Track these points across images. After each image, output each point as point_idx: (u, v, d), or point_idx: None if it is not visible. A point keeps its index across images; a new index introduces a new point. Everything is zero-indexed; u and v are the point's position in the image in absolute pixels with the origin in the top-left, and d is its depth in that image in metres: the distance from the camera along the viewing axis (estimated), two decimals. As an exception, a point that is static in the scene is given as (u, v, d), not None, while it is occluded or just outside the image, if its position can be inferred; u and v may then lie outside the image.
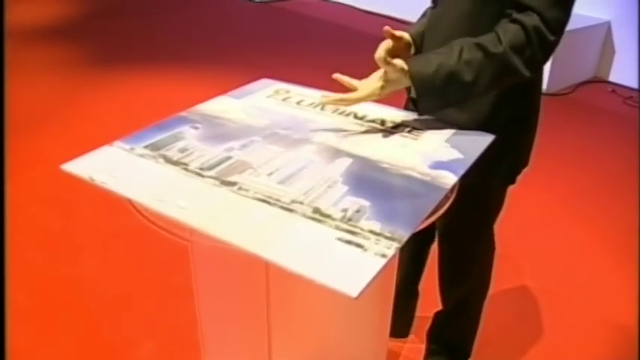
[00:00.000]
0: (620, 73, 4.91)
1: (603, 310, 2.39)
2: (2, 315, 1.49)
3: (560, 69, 4.59)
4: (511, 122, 1.41)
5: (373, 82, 1.30)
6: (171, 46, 5.61)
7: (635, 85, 4.76)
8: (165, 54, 5.32)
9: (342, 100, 1.30)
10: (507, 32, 1.21)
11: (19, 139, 3.50)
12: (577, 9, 4.16)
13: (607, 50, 4.98)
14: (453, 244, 1.70)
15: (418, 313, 2.11)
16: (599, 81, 4.97)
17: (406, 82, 1.28)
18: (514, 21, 1.22)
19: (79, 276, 2.49)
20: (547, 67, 4.47)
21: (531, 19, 1.20)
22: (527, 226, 2.91)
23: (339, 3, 7.18)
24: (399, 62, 1.27)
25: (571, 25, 4.06)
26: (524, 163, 1.54)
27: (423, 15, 1.55)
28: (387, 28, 1.31)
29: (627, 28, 4.82)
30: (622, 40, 4.89)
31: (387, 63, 1.25)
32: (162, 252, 2.59)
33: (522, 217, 2.93)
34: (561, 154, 3.66)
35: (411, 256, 1.90)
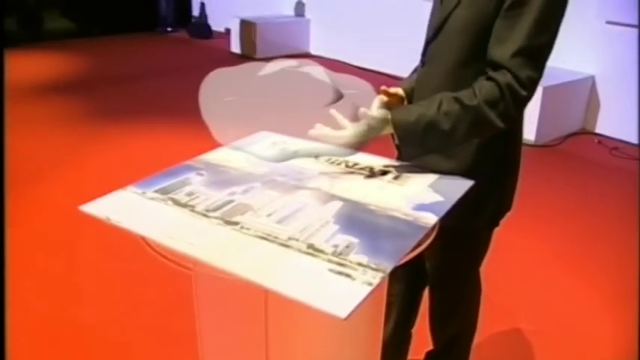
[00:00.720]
0: (606, 125, 5.09)
1: (593, 355, 2.46)
2: (2, 315, 1.56)
3: (549, 121, 4.77)
4: (493, 169, 1.53)
5: (359, 125, 1.43)
6: (168, 100, 5.81)
7: (620, 137, 4.92)
8: (163, 108, 5.51)
9: (326, 136, 1.43)
10: (483, 88, 1.35)
11: (22, 188, 3.63)
12: (563, 64, 4.40)
13: (593, 103, 5.16)
14: (442, 286, 1.80)
15: (411, 355, 2.19)
16: (586, 133, 5.14)
17: (389, 129, 1.41)
18: (489, 78, 1.36)
19: (81, 321, 2.57)
20: (535, 120, 4.66)
21: (504, 77, 1.34)
22: (519, 272, 3.02)
23: (332, 59, 7.45)
24: (383, 111, 1.41)
25: (558, 80, 4.29)
26: (508, 207, 1.66)
27: (414, 71, 1.70)
28: (383, 87, 1.46)
29: (611, 82, 5.03)
30: (606, 93, 5.09)
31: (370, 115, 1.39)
32: (162, 297, 2.68)
33: (513, 262, 3.04)
34: (551, 203, 3.79)
35: (405, 301, 1.98)
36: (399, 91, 1.58)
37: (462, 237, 1.59)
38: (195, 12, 10.45)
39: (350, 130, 1.43)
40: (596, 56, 5.10)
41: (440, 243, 1.54)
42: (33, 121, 4.97)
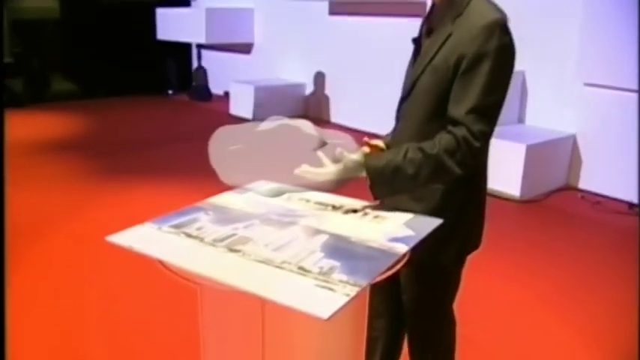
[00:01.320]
0: (588, 181, 5.33)
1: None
2: (2, 316, 1.73)
3: (533, 178, 5.01)
4: (458, 211, 1.76)
5: (338, 165, 1.69)
6: (169, 159, 6.09)
7: (602, 192, 5.17)
8: (164, 167, 5.78)
9: (309, 172, 1.68)
10: (442, 139, 1.61)
11: (29, 240, 3.82)
12: (546, 124, 4.71)
13: (575, 160, 5.42)
14: (416, 320, 2.00)
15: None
16: (569, 188, 5.38)
17: (362, 172, 1.67)
18: (449, 132, 1.62)
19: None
20: (520, 177, 4.90)
21: (461, 131, 1.59)
22: (503, 317, 3.16)
23: (323, 120, 7.79)
24: (358, 156, 1.68)
25: (541, 138, 4.60)
26: (474, 246, 1.88)
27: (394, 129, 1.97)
28: (365, 139, 1.73)
29: (591, 140, 5.31)
30: (587, 150, 5.35)
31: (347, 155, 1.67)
32: (166, 341, 2.87)
33: (498, 308, 3.21)
34: (536, 253, 3.97)
35: (388, 336, 2.15)
36: (380, 143, 1.84)
37: (432, 272, 1.82)
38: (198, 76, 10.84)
39: (330, 168, 1.68)
40: (576, 116, 5.39)
41: (413, 277, 1.77)
42: (38, 178, 5.22)
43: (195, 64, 10.87)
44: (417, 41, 1.86)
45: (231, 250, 1.39)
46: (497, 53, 1.58)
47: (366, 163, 1.67)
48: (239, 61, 9.88)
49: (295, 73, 8.63)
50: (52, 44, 9.20)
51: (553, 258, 3.93)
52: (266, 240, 1.46)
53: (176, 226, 1.53)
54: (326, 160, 1.69)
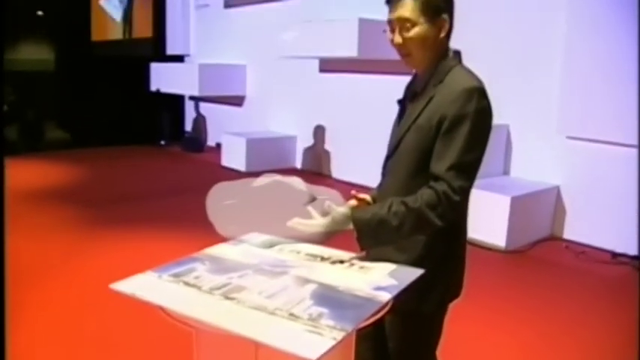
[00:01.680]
0: (572, 231, 5.46)
1: None
2: (2, 316, 1.80)
3: (518, 229, 5.12)
4: (439, 261, 1.87)
5: (326, 218, 1.82)
6: (163, 209, 6.18)
7: (586, 242, 5.30)
8: (158, 216, 5.86)
9: (300, 223, 1.81)
10: (424, 194, 1.74)
11: (24, 289, 3.88)
12: (530, 176, 4.90)
13: (559, 211, 5.56)
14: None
15: None
16: (554, 239, 5.50)
17: (350, 224, 1.79)
18: (430, 187, 1.75)
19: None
20: (505, 228, 5.01)
21: (442, 186, 1.73)
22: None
23: (316, 173, 7.95)
24: (345, 209, 1.82)
25: (525, 190, 4.76)
26: (455, 294, 1.99)
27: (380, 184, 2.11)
28: (353, 192, 1.86)
29: (575, 191, 5.46)
30: (571, 201, 5.50)
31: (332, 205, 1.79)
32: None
33: (485, 357, 3.29)
34: (521, 302, 4.04)
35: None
36: (367, 197, 1.97)
37: (415, 320, 1.92)
38: (188, 127, 11.07)
39: (319, 220, 1.81)
40: (559, 168, 5.56)
41: (397, 325, 1.88)
42: (33, 226, 5.30)
43: (187, 115, 11.11)
44: (401, 103, 2.02)
45: (227, 298, 1.50)
46: (476, 115, 1.73)
47: (352, 216, 1.79)
48: (231, 113, 10.10)
49: (286, 125, 8.82)
50: (46, 95, 9.42)
51: (538, 307, 4.01)
52: (259, 288, 1.57)
53: (175, 275, 1.64)
54: (315, 214, 1.81)
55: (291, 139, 8.71)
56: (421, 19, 1.81)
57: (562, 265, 4.90)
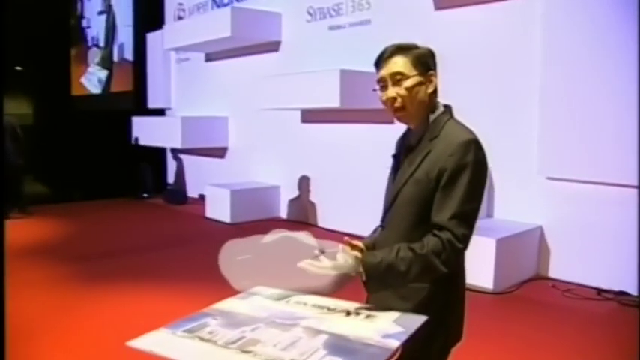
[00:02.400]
0: (558, 270, 5.56)
1: None
2: (2, 316, 1.81)
3: (505, 270, 5.20)
4: (441, 308, 1.95)
5: (337, 262, 1.86)
6: (152, 264, 6.17)
7: (571, 279, 5.40)
8: (147, 271, 5.85)
9: (312, 264, 1.85)
10: (430, 241, 1.83)
11: (15, 349, 3.85)
12: (514, 217, 5.01)
13: (543, 250, 5.67)
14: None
15: None
16: (540, 278, 5.59)
17: (359, 268, 1.85)
18: (435, 235, 1.83)
19: None
20: (492, 269, 5.09)
21: (446, 234, 1.82)
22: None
23: (300, 222, 8.01)
24: (357, 253, 1.87)
25: (509, 232, 4.86)
26: (457, 338, 2.06)
27: (374, 231, 2.18)
28: (347, 238, 1.93)
29: (557, 231, 5.58)
30: (554, 240, 5.61)
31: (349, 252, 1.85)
32: None
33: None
34: (512, 344, 4.09)
35: None
36: (360, 244, 2.03)
37: None
38: (170, 179, 11.11)
39: (329, 264, 1.86)
40: (541, 208, 5.69)
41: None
42: (19, 283, 5.24)
43: (169, 168, 11.17)
44: (396, 157, 2.11)
45: (244, 351, 1.55)
46: (474, 166, 1.84)
47: (362, 260, 1.86)
48: (213, 165, 10.17)
49: (270, 176, 8.90)
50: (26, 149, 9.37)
51: (528, 347, 4.06)
52: (273, 341, 1.63)
53: (189, 331, 1.69)
54: (325, 260, 1.86)
55: (275, 190, 8.78)
56: (413, 72, 1.93)
57: (549, 304, 4.98)
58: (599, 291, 5.13)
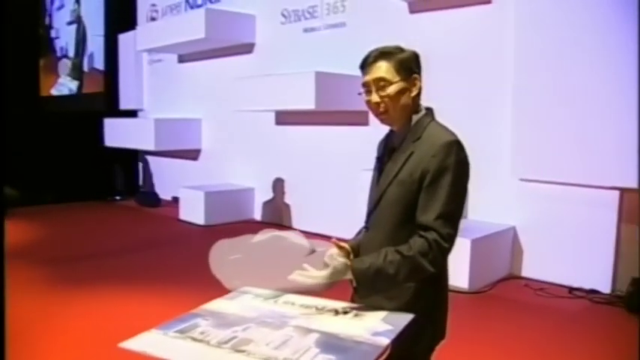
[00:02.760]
0: (530, 269, 5.65)
1: None
2: (2, 316, 1.81)
3: (479, 270, 5.27)
4: (426, 308, 1.98)
5: (325, 270, 1.90)
6: (127, 267, 6.12)
7: (543, 279, 5.50)
8: (123, 275, 5.80)
9: (302, 274, 1.88)
10: (416, 243, 1.86)
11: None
12: (487, 218, 5.07)
13: (516, 250, 5.76)
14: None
15: None
16: (513, 277, 5.67)
17: (349, 274, 1.88)
18: (421, 236, 1.87)
19: None
20: (467, 270, 5.16)
21: (432, 235, 1.85)
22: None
23: (270, 222, 8.04)
24: (344, 260, 1.90)
25: (483, 232, 4.92)
26: (441, 337, 2.10)
27: (358, 233, 2.21)
28: (334, 239, 1.95)
29: (530, 231, 5.68)
30: (527, 241, 5.71)
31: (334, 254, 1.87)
32: None
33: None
34: (489, 342, 4.14)
35: None
36: (346, 245, 2.07)
37: None
38: (147, 180, 11.04)
39: (320, 272, 1.89)
40: (514, 209, 5.78)
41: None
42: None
43: (142, 170, 11.10)
44: (379, 159, 2.15)
45: (237, 351, 1.57)
46: (456, 167, 1.88)
47: (351, 267, 1.89)
48: (187, 167, 10.12)
49: (244, 178, 8.90)
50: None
51: (504, 343, 4.13)
52: (265, 340, 1.65)
53: (181, 332, 1.71)
54: (312, 269, 1.89)
55: (250, 192, 8.77)
56: (396, 78, 1.96)
57: (523, 303, 5.06)
58: (571, 289, 5.24)
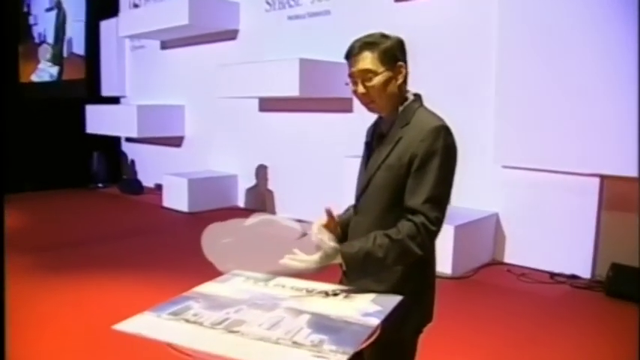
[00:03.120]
0: (513, 255, 5.75)
1: None
2: (2, 317, 1.82)
3: (462, 256, 5.34)
4: (414, 291, 2.00)
5: (316, 254, 1.91)
6: (110, 254, 6.11)
7: (525, 264, 5.59)
8: (106, 262, 5.80)
9: (294, 259, 1.89)
10: (404, 226, 1.88)
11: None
12: (471, 204, 5.13)
13: (499, 237, 5.84)
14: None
15: None
16: (496, 263, 5.76)
17: (338, 258, 1.90)
18: (409, 220, 1.89)
19: None
20: (450, 255, 5.22)
21: (419, 218, 1.88)
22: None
23: (253, 209, 8.05)
24: (334, 244, 1.91)
25: (467, 219, 4.98)
26: (429, 319, 2.13)
27: (347, 210, 2.23)
28: (328, 207, 1.96)
29: (512, 217, 5.76)
30: (509, 227, 5.79)
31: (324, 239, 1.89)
32: None
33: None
34: (472, 326, 4.23)
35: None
36: (334, 217, 2.10)
37: (394, 346, 2.04)
38: (125, 169, 10.98)
39: (312, 257, 1.90)
40: (497, 196, 5.85)
41: (377, 353, 1.99)
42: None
43: (124, 158, 11.06)
44: (368, 145, 2.16)
45: (231, 332, 1.59)
46: (444, 151, 1.90)
47: (341, 251, 1.91)
48: (170, 154, 10.09)
49: (227, 165, 8.90)
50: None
51: (487, 328, 4.21)
52: (258, 321, 1.67)
53: (174, 314, 1.72)
54: (302, 254, 1.91)
55: (233, 178, 8.78)
56: (381, 69, 1.98)
57: (506, 288, 5.15)
58: (552, 275, 5.33)
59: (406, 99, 2.06)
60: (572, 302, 4.79)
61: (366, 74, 1.98)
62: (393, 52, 2.01)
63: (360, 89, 2.00)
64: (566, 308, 4.66)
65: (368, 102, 2.02)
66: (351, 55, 2.02)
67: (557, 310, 4.63)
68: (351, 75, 2.03)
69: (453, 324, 4.14)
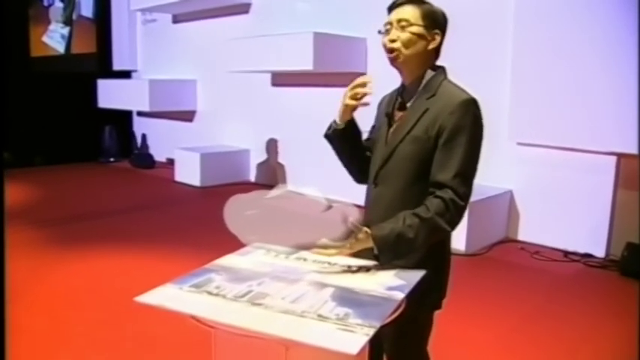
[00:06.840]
0: (526, 233, 5.72)
1: None
2: (2, 319, 1.83)
3: (476, 233, 5.32)
4: (434, 268, 1.97)
5: (350, 239, 1.85)
6: (121, 226, 6.14)
7: (539, 242, 5.56)
8: (116, 233, 5.83)
9: (326, 246, 1.84)
10: (432, 204, 1.85)
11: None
12: (484, 182, 5.08)
13: (513, 214, 5.81)
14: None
15: None
16: (509, 241, 5.74)
17: (370, 242, 1.85)
18: (437, 196, 1.86)
19: None
20: (464, 232, 5.19)
21: (447, 194, 1.84)
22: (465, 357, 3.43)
23: (265, 184, 8.02)
24: (365, 228, 1.86)
25: (481, 196, 4.94)
26: (444, 295, 2.11)
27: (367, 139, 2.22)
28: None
29: (526, 195, 5.73)
30: (523, 205, 5.76)
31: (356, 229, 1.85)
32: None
33: (459, 350, 3.44)
34: (488, 301, 4.24)
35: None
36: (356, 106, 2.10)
37: (413, 322, 2.01)
38: (137, 143, 10.98)
39: (341, 244, 1.84)
40: (511, 173, 5.82)
41: (396, 328, 1.96)
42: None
43: (136, 131, 11.04)
44: (388, 115, 2.11)
45: (254, 304, 1.58)
46: (473, 125, 1.87)
47: (372, 234, 1.86)
48: (182, 129, 10.06)
49: (239, 139, 8.87)
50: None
51: (501, 303, 4.22)
52: (281, 294, 1.65)
53: (196, 286, 1.71)
54: (331, 243, 1.84)
55: (245, 153, 8.76)
56: (419, 22, 1.95)
57: (519, 265, 5.13)
58: (566, 253, 5.31)
59: (432, 69, 2.03)
60: (586, 281, 4.77)
61: (402, 23, 1.95)
62: (436, 17, 2.00)
63: (392, 35, 1.96)
64: (580, 286, 4.64)
65: (394, 54, 1.97)
66: (395, 5, 1.99)
67: (571, 287, 4.61)
68: (387, 23, 2.00)
69: (467, 300, 4.13)
